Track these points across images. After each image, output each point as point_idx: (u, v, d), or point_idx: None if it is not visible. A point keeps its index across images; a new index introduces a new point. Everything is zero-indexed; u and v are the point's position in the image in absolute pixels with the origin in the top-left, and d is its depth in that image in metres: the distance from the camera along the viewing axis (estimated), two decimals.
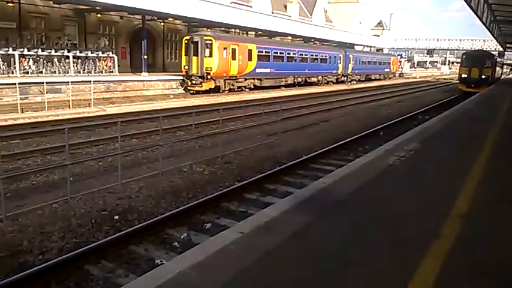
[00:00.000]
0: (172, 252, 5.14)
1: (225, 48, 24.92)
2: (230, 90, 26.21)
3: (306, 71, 34.58)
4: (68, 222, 5.75)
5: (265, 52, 29.21)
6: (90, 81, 19.53)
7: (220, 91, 25.39)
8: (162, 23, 31.47)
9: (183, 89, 25.43)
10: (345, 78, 41.94)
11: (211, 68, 24.13)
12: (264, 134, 12.52)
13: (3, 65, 19.78)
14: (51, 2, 24.01)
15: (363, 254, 3.58)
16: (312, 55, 35.42)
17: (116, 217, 6.04)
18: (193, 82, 24.50)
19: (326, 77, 38.62)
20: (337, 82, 40.62)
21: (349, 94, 29.97)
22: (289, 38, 40.86)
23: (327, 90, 33.08)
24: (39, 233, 5.42)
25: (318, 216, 4.36)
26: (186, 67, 24.91)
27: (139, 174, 8.10)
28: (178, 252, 5.01)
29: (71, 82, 18.72)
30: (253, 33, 36.74)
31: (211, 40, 24.30)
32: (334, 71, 39.67)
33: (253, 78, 28.25)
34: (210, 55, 24.18)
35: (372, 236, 3.98)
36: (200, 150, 10.41)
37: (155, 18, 29.09)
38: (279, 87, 30.90)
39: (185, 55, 25.15)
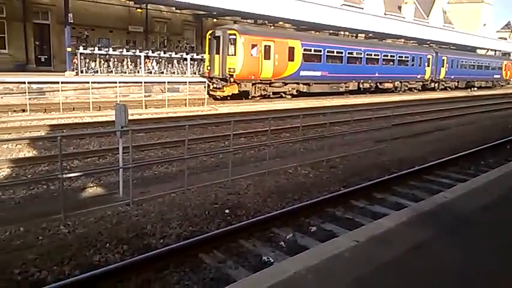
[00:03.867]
0: (278, 250, 5.20)
1: (254, 45, 20.50)
2: (262, 96, 21.63)
3: (376, 74, 28.45)
4: (184, 212, 6.19)
5: (315, 51, 23.93)
6: (205, 82, 20.91)
7: (250, 97, 21.11)
8: (273, 27, 32.26)
9: (207, 94, 20.92)
10: (436, 84, 35.33)
11: (234, 68, 19.96)
12: (372, 140, 12.06)
13: (131, 64, 22.17)
14: (174, 8, 26.22)
15: (489, 282, 3.21)
16: (386, 55, 29.07)
17: (227, 211, 6.33)
18: (215, 86, 20.59)
19: (407, 83, 32.00)
20: (424, 89, 34.00)
21: (470, 101, 27.38)
22: (402, 40, 38.80)
23: (443, 96, 30.76)
24: (160, 219, 5.92)
25: (438, 233, 4.03)
26: (209, 68, 21.28)
27: (247, 172, 8.41)
28: (285, 252, 5.08)
29: (188, 82, 20.25)
30: (363, 35, 35.67)
31: (235, 34, 20.14)
32: (419, 76, 32.83)
33: (297, 83, 23.30)
34: (234, 53, 20.16)
35: (500, 262, 3.55)
36: (305, 153, 10.42)
37: (266, 22, 29.93)
38: (341, 93, 25.99)
39: (208, 53, 21.51)
